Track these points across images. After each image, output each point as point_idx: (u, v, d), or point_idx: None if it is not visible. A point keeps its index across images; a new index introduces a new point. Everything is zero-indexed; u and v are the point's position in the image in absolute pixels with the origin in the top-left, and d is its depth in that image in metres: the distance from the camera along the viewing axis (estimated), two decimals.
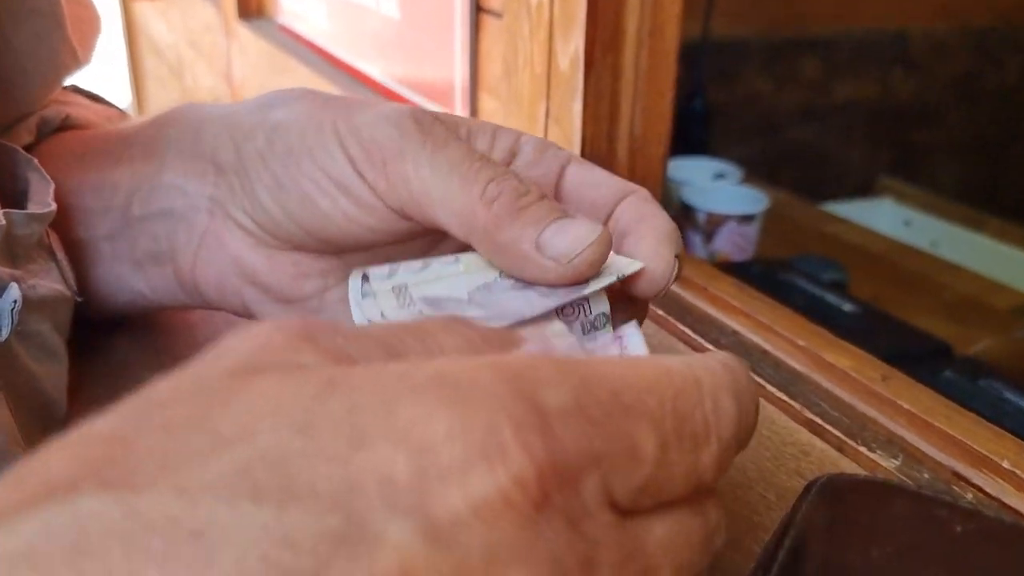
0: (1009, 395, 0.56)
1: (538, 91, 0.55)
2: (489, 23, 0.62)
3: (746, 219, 1.01)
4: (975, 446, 0.37)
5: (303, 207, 0.29)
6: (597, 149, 0.53)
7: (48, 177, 0.33)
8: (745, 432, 0.20)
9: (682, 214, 1.04)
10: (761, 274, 0.71)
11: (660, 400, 0.18)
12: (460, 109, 0.67)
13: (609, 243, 0.26)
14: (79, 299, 0.34)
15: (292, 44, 1.01)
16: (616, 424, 0.17)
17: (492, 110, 0.63)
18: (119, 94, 2.24)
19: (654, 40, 0.52)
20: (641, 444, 0.17)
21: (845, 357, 0.43)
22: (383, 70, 0.81)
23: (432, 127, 0.28)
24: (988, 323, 0.92)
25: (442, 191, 0.27)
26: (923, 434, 0.39)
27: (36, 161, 0.34)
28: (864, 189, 1.55)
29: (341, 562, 0.13)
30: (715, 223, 1.01)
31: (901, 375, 0.42)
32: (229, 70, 1.24)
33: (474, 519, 0.14)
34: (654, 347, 0.43)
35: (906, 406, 0.40)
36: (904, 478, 0.33)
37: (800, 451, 0.35)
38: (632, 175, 0.55)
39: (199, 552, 0.13)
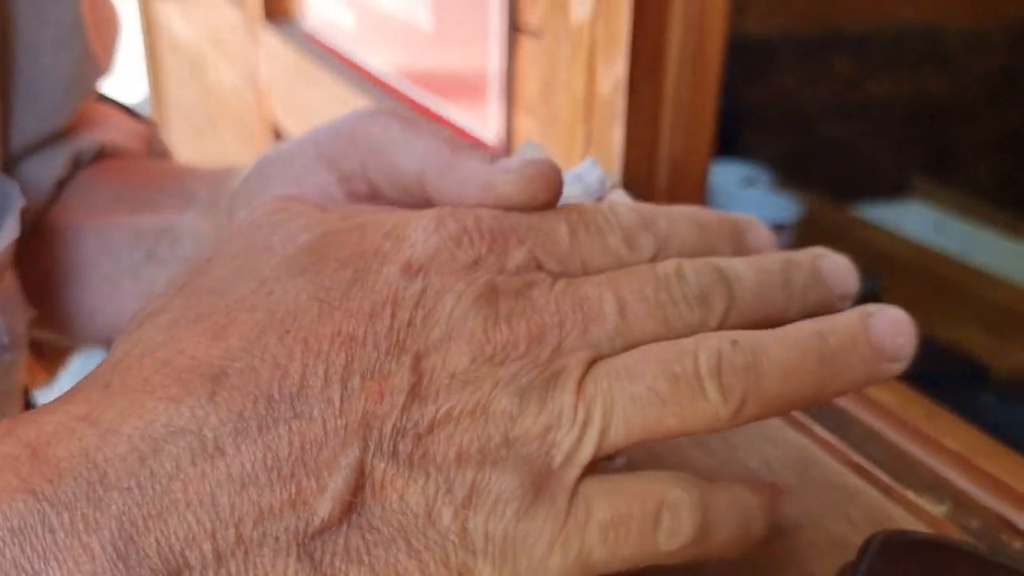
0: None
1: (577, 115, 0.55)
2: (526, 43, 0.62)
3: (777, 228, 1.00)
4: (1022, 489, 0.37)
5: None
6: (637, 174, 0.53)
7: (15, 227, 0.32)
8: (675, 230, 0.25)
9: None
10: None
11: (565, 209, 0.25)
12: (495, 126, 0.67)
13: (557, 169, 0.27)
14: (7, 355, 0.33)
15: (318, 52, 1.01)
16: (530, 219, 0.24)
17: (529, 130, 0.63)
18: (137, 91, 2.25)
19: (697, 62, 0.51)
20: (555, 228, 0.24)
21: (889, 394, 0.43)
22: (414, 83, 0.81)
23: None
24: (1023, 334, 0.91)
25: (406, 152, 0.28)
26: (969, 476, 0.39)
27: (19, 203, 0.32)
28: (897, 188, 1.53)
29: (357, 291, 0.21)
30: None
31: (945, 412, 0.42)
32: (256, 73, 1.25)
33: (430, 261, 0.22)
34: None
35: (951, 446, 0.40)
36: (954, 526, 0.33)
37: (847, 495, 0.35)
38: (672, 200, 0.55)
39: (271, 299, 0.22)
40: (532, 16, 0.60)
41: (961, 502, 0.35)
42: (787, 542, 0.32)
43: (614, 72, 0.51)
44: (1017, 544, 0.33)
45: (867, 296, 0.83)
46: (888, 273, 1.02)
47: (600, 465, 0.23)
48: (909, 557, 0.27)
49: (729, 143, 1.35)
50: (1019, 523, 0.35)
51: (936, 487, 0.35)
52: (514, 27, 0.62)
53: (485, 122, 0.68)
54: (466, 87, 0.71)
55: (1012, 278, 1.11)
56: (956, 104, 1.57)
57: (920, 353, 0.64)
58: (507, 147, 0.67)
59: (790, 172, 1.46)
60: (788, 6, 1.41)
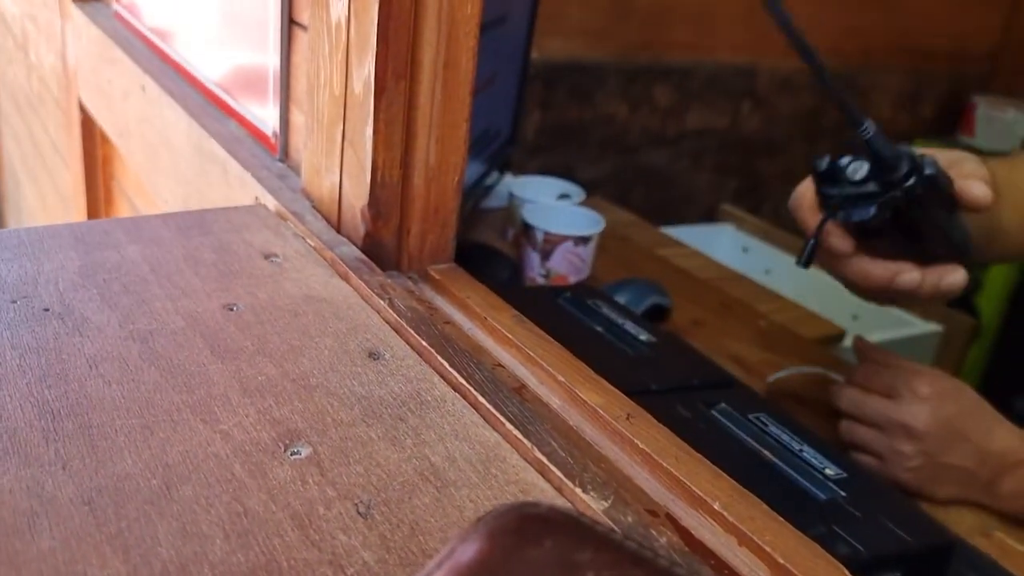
0: (774, 428, 0.60)
1: (336, 112, 0.55)
2: (300, 36, 0.61)
3: (581, 240, 1.03)
4: (694, 487, 0.39)
5: None
6: (390, 176, 0.53)
7: None
8: None
9: (522, 232, 1.05)
10: (569, 300, 0.73)
11: None
12: (273, 120, 0.66)
13: None
14: None
15: (124, 34, 0.97)
16: None
17: (300, 124, 0.62)
18: None
19: (448, 71, 0.52)
20: None
21: (597, 394, 0.45)
22: (208, 73, 0.78)
23: None
24: (796, 351, 0.98)
25: None
26: (653, 473, 0.41)
27: None
28: (710, 214, 1.62)
29: None
30: (552, 243, 1.03)
31: (645, 414, 0.44)
32: (64, 52, 1.18)
33: None
34: (412, 379, 0.43)
35: (641, 445, 0.42)
36: (608, 520, 0.35)
37: (521, 490, 0.36)
38: (427, 203, 0.55)
39: None
40: (304, 11, 0.59)
41: (623, 500, 0.36)
42: (449, 535, 0.33)
43: (364, 70, 0.51)
44: (664, 539, 0.35)
45: (657, 309, 0.86)
46: (685, 289, 1.08)
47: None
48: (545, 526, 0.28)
49: (553, 159, 1.39)
50: (681, 517, 0.38)
51: (604, 485, 0.37)
52: (289, 19, 0.62)
53: (266, 115, 0.67)
54: (251, 80, 0.69)
55: (802, 296, 1.20)
56: (766, 139, 1.68)
57: (674, 365, 0.67)
58: (284, 141, 0.66)
59: (613, 191, 1.52)
60: (615, 36, 1.47)
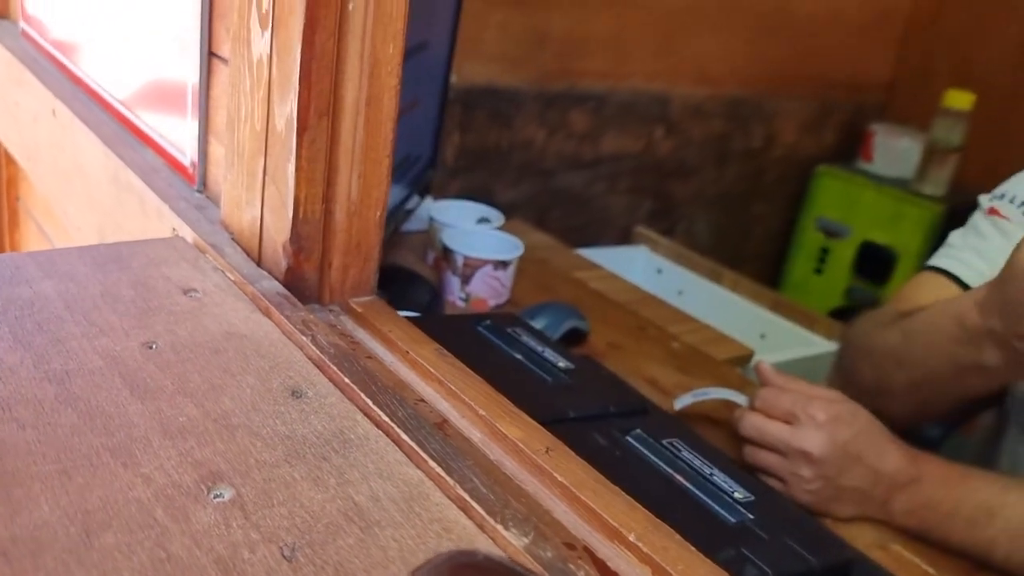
0: (686, 453, 0.62)
1: (257, 147, 0.55)
2: (220, 68, 0.61)
3: (501, 264, 1.05)
4: (610, 519, 0.41)
5: None
6: (311, 211, 0.54)
7: None
8: None
9: (443, 256, 1.07)
10: (489, 328, 0.75)
11: None
12: (191, 150, 0.65)
13: None
14: None
15: (32, 54, 0.94)
16: None
17: (219, 156, 0.62)
18: None
19: (371, 109, 0.53)
20: None
21: (517, 428, 0.46)
22: (123, 99, 0.77)
23: None
24: (707, 372, 1.02)
25: None
26: (572, 506, 0.43)
27: None
28: (625, 236, 1.66)
29: None
30: (472, 267, 1.04)
31: (564, 447, 0.46)
32: None
33: None
34: (335, 417, 0.43)
35: (560, 478, 0.43)
36: (528, 556, 0.36)
37: (443, 528, 0.37)
38: (349, 237, 0.56)
39: None
40: (224, 44, 0.59)
41: (543, 535, 0.38)
42: (372, 575, 0.34)
43: (287, 108, 0.51)
44: (583, 572, 0.37)
45: (575, 332, 0.88)
46: (602, 312, 1.11)
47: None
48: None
49: (473, 182, 1.41)
50: (597, 548, 0.40)
51: (525, 521, 0.38)
52: (209, 51, 0.62)
53: (184, 148, 0.66)
54: (169, 108, 0.69)
55: (713, 316, 1.24)
56: (678, 163, 1.74)
57: (590, 392, 0.69)
58: (203, 172, 0.65)
59: (531, 214, 1.54)
60: (532, 63, 1.50)
